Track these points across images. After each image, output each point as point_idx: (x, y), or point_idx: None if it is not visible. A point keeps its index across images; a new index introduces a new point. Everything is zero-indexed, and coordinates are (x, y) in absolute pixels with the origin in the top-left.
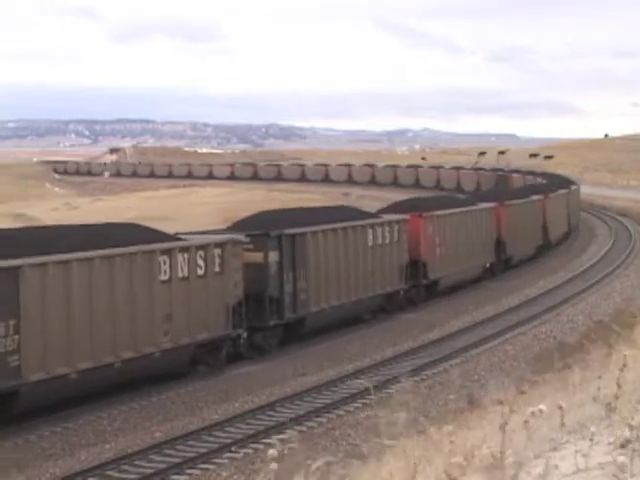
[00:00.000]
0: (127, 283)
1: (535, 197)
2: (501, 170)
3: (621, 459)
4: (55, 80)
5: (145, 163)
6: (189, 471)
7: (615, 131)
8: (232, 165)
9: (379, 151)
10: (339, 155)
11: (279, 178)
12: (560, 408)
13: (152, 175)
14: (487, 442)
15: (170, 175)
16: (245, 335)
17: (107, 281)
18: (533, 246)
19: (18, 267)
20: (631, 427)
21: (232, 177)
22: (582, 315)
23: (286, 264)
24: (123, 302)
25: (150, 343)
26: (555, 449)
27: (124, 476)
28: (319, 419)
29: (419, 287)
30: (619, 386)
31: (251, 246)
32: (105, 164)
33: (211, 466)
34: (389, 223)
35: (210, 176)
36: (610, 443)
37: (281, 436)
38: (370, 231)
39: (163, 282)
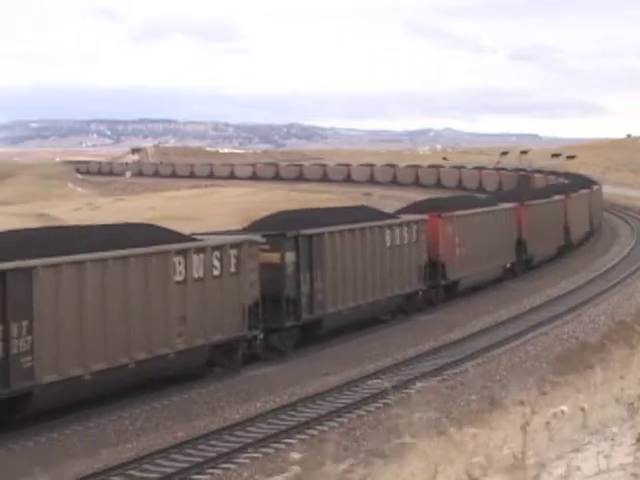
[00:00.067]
0: (141, 284)
1: (556, 197)
2: (523, 170)
3: None
4: (77, 80)
5: (167, 163)
6: (210, 471)
7: (638, 131)
8: (254, 165)
9: (401, 151)
10: (361, 155)
11: (301, 178)
12: (582, 409)
13: (174, 175)
14: (508, 443)
15: (192, 175)
16: (261, 336)
17: (121, 282)
18: (554, 246)
19: (32, 268)
20: None
21: (254, 177)
22: (604, 315)
23: (303, 265)
24: (137, 303)
25: (164, 344)
26: (577, 450)
27: (146, 475)
28: (340, 419)
29: (438, 288)
30: None
31: (268, 246)
32: (127, 164)
33: (232, 466)
34: (407, 223)
35: (232, 176)
36: (632, 444)
37: (302, 436)
38: (388, 231)
39: (178, 283)
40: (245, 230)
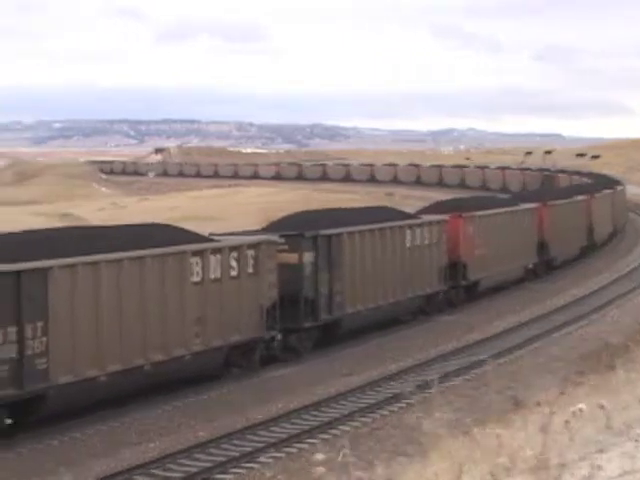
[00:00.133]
0: (158, 285)
1: (579, 197)
2: (547, 170)
3: None
4: (101, 80)
5: (191, 163)
6: (233, 470)
7: None
8: (277, 165)
9: (424, 151)
10: (384, 155)
11: (324, 178)
12: (602, 408)
13: (198, 175)
14: (532, 443)
15: (216, 175)
16: (280, 337)
17: (137, 282)
18: (577, 247)
19: (47, 268)
20: None
21: (277, 177)
22: (628, 316)
23: (321, 265)
24: (153, 304)
25: (181, 345)
26: (601, 451)
27: (169, 474)
28: (364, 419)
29: (459, 288)
30: None
31: (286, 247)
32: (151, 164)
33: (255, 465)
34: (428, 224)
35: (255, 176)
36: None
37: (325, 436)
38: (408, 232)
39: (195, 284)
40: (264, 230)
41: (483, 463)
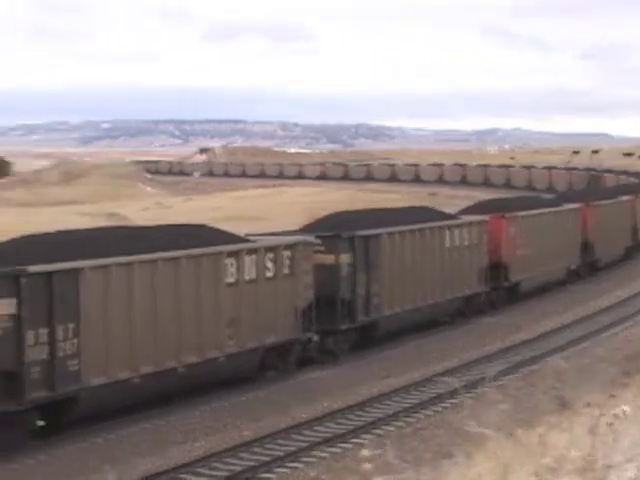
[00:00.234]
0: (192, 286)
1: (624, 197)
2: (594, 170)
3: None
4: (147, 81)
5: (236, 163)
6: (278, 470)
7: None
8: (323, 165)
9: (469, 150)
10: (429, 155)
11: (369, 178)
12: None
13: (244, 175)
14: (578, 444)
15: (262, 175)
16: (316, 339)
17: (171, 284)
18: (622, 247)
19: (79, 269)
20: None
21: (323, 177)
22: None
23: (359, 266)
24: (187, 305)
25: (215, 347)
26: None
27: (214, 473)
28: (408, 419)
29: (500, 290)
30: None
31: (322, 248)
32: (196, 164)
33: (300, 465)
34: (468, 224)
35: (300, 176)
36: None
37: (369, 436)
38: (447, 232)
39: (229, 285)
40: (301, 231)
41: (528, 464)
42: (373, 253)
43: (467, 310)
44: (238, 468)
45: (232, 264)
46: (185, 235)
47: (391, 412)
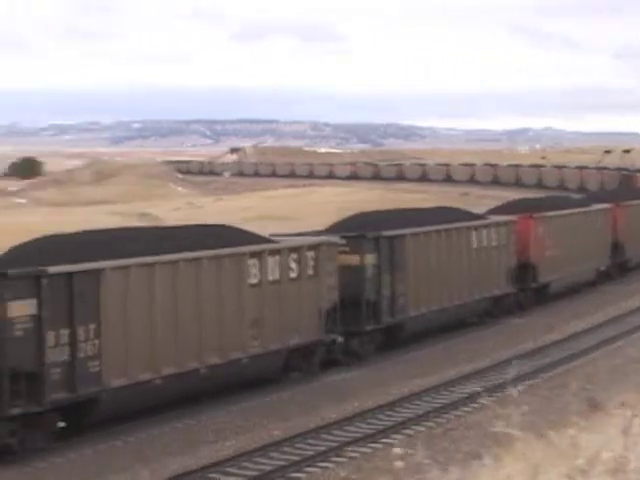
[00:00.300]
0: (214, 286)
1: None
2: (625, 169)
3: None
4: (178, 81)
5: (267, 163)
6: (308, 469)
7: None
8: (354, 164)
9: (500, 150)
10: (460, 154)
11: (400, 177)
12: None
13: (274, 175)
14: (610, 445)
15: (292, 175)
16: (341, 340)
17: (193, 284)
18: None
19: (100, 270)
20: None
21: (353, 177)
22: None
23: (384, 267)
24: (210, 306)
25: (238, 348)
26: None
27: (244, 473)
28: (438, 420)
29: (528, 291)
30: None
31: (347, 248)
32: (226, 164)
33: (330, 464)
34: (496, 224)
35: (331, 175)
36: None
37: (400, 436)
38: (474, 233)
39: (252, 285)
40: (326, 231)
41: (559, 465)
42: (398, 253)
43: (495, 311)
44: (268, 468)
45: (255, 265)
46: (207, 235)
47: (421, 412)
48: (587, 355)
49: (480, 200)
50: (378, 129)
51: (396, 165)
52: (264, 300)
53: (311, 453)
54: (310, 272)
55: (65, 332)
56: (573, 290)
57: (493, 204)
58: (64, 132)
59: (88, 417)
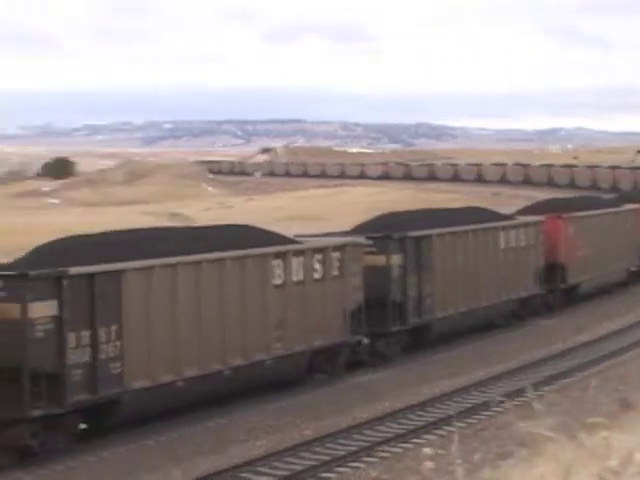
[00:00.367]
0: (237, 287)
1: None
2: None
3: None
4: (209, 81)
5: (298, 163)
6: (339, 469)
7: None
8: (385, 164)
9: (531, 150)
10: (491, 154)
11: (432, 177)
12: None
13: (305, 175)
14: None
15: (323, 175)
16: (367, 341)
17: (216, 285)
18: None
19: (121, 271)
20: None
21: (385, 177)
22: None
23: (410, 267)
24: (233, 307)
25: (261, 350)
26: None
27: (275, 472)
28: (468, 420)
29: (557, 292)
30: None
31: (373, 249)
32: (257, 164)
33: (361, 464)
34: (524, 225)
35: (362, 176)
36: None
37: (430, 436)
38: (502, 233)
39: (276, 286)
40: (352, 231)
41: (591, 466)
42: (425, 254)
43: (522, 312)
44: (299, 467)
45: (279, 265)
46: (231, 236)
47: (452, 412)
48: (618, 356)
49: (511, 200)
50: (409, 129)
51: (427, 165)
52: (288, 301)
53: (342, 453)
54: (335, 273)
55: (86, 333)
56: (603, 291)
57: (524, 204)
58: (97, 132)
59: (109, 419)
